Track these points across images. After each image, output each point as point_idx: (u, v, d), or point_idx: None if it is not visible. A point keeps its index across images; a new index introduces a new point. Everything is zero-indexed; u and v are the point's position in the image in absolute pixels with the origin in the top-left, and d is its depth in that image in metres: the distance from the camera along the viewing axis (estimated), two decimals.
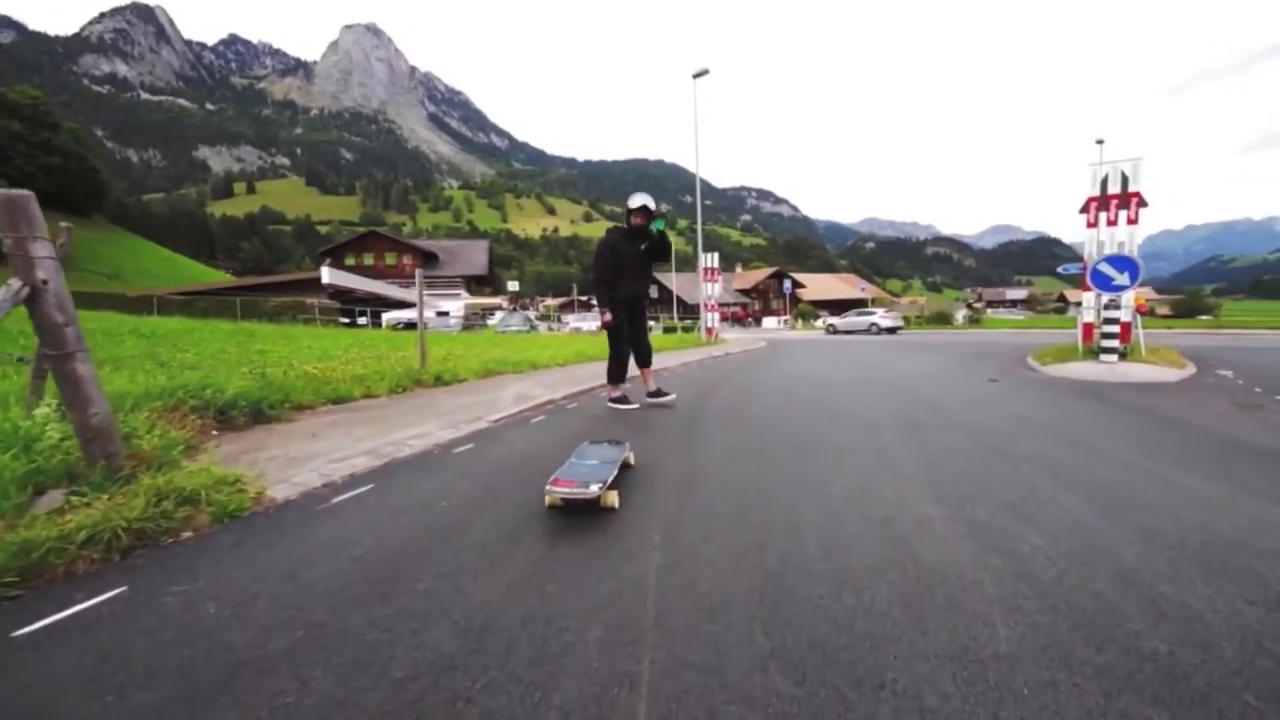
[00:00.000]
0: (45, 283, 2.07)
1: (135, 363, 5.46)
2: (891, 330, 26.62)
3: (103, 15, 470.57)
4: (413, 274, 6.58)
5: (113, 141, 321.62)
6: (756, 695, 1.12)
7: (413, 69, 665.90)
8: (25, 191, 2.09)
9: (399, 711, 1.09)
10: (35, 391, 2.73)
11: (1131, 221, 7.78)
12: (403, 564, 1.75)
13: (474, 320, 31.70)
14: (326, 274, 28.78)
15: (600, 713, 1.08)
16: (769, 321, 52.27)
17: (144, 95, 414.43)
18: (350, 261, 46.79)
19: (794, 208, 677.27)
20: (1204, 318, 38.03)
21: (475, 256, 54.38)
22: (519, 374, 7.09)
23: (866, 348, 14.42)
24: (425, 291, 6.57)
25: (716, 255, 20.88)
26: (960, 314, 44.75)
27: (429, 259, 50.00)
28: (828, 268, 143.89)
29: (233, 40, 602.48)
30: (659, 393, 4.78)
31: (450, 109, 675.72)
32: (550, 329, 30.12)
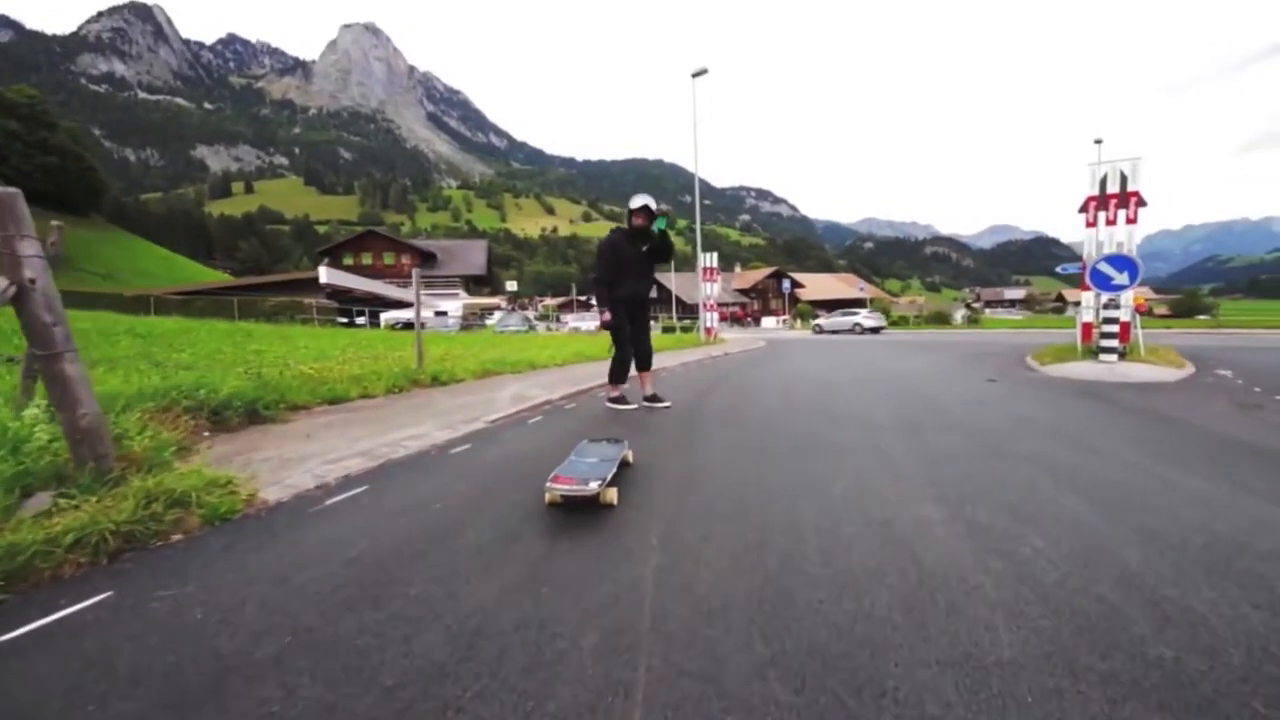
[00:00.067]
0: (33, 282, 2.04)
1: (130, 363, 5.43)
2: (875, 330, 27.25)
3: (100, 14, 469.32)
4: (411, 274, 6.54)
5: (110, 141, 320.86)
6: (755, 704, 1.09)
7: (411, 68, 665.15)
8: (12, 189, 2.06)
9: None
10: (25, 392, 2.69)
11: (1130, 221, 7.77)
12: (395, 567, 1.72)
13: (472, 320, 31.65)
14: (324, 274, 28.70)
15: None
16: (768, 321, 52.29)
17: (142, 94, 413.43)
18: (349, 261, 46.70)
19: (793, 207, 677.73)
20: (1202, 318, 38.08)
21: (474, 256, 54.31)
22: (517, 374, 7.06)
23: (865, 348, 14.41)
24: (423, 291, 6.55)
25: (715, 255, 20.84)
26: (959, 314, 44.78)
27: (427, 259, 49.92)
28: (826, 268, 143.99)
29: (231, 39, 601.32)
30: (655, 398, 4.76)
31: (449, 108, 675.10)
32: (549, 329, 30.09)
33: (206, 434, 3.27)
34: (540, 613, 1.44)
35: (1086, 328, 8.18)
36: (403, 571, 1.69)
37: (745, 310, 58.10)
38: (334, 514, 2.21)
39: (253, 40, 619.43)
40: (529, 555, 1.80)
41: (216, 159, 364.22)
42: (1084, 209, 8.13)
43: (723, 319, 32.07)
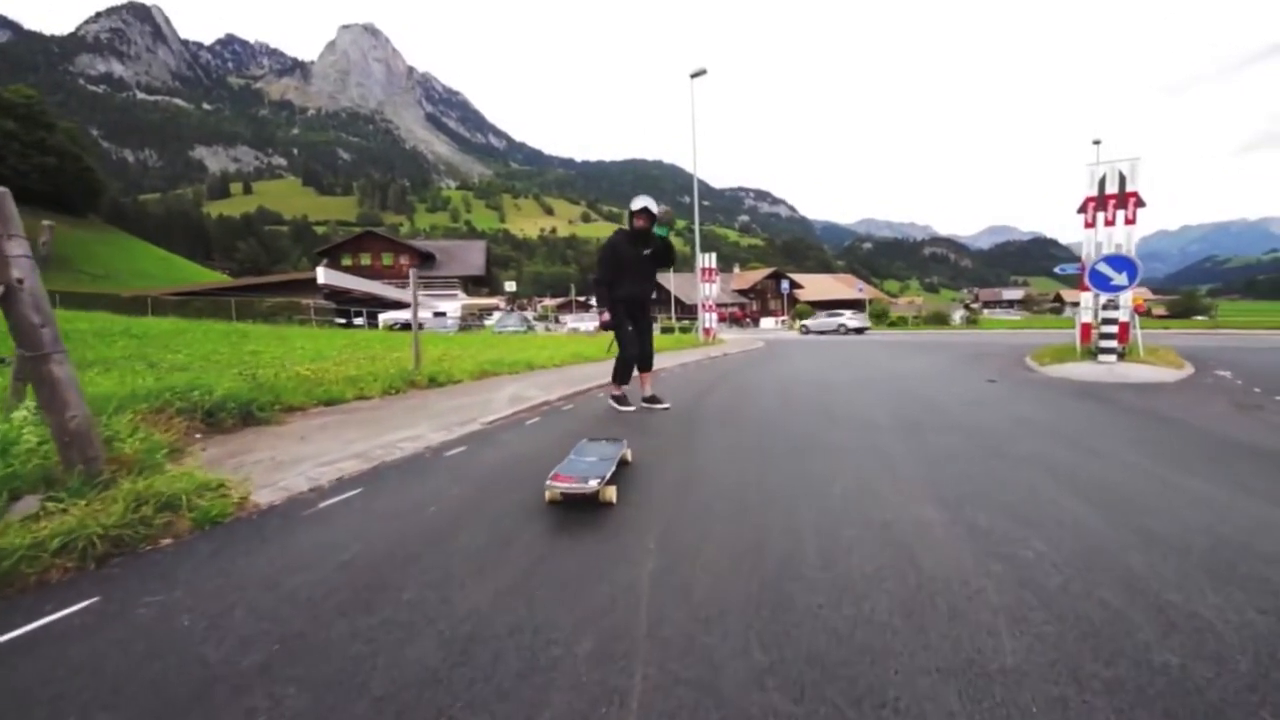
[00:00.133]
0: (20, 282, 2.01)
1: (125, 364, 5.39)
2: (859, 330, 28.15)
3: (99, 15, 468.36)
4: (410, 274, 6.51)
5: (108, 141, 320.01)
6: (753, 713, 1.07)
7: (410, 69, 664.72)
8: (0, 188, 2.03)
9: None
10: (16, 394, 2.66)
11: (1129, 221, 7.77)
12: (388, 571, 1.70)
13: (471, 321, 31.58)
14: (322, 274, 28.60)
15: None
16: (767, 322, 52.30)
17: (140, 95, 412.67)
18: (347, 262, 46.62)
19: (792, 208, 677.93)
20: (1199, 318, 38.15)
21: (472, 257, 54.26)
22: (514, 375, 7.03)
23: (864, 348, 14.40)
24: (422, 292, 6.51)
25: (714, 255, 20.84)
26: (958, 314, 44.85)
27: (426, 259, 49.85)
28: (825, 268, 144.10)
29: (229, 40, 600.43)
30: (654, 399, 4.76)
31: (448, 109, 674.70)
32: (547, 329, 30.05)
33: (198, 436, 3.24)
34: (535, 618, 1.42)
35: (1085, 328, 8.17)
36: (396, 576, 1.67)
37: (744, 311, 58.09)
38: (327, 517, 2.18)
39: (251, 41, 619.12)
40: (524, 558, 1.78)
41: (215, 159, 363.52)
42: (1083, 209, 8.13)
43: (721, 320, 32.11)
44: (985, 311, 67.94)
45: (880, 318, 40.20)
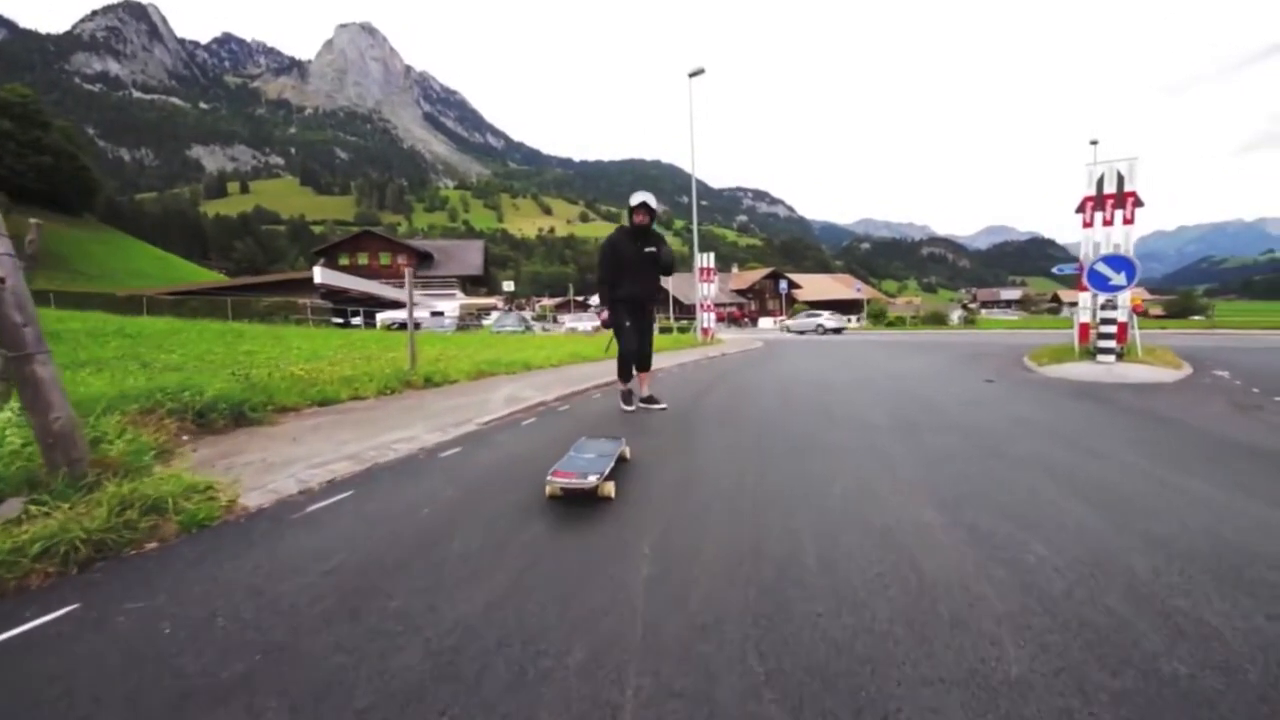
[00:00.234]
0: (2, 281, 1.97)
1: (118, 364, 5.34)
2: (836, 330, 29.04)
3: (95, 13, 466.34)
4: (405, 274, 6.46)
5: (105, 140, 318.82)
6: None
7: (408, 68, 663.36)
8: None
9: None
10: (2, 396, 2.61)
11: (1127, 222, 7.75)
12: (377, 577, 1.66)
13: (469, 320, 31.48)
14: (319, 274, 28.49)
15: None
16: (765, 322, 52.27)
17: (136, 94, 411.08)
18: (345, 261, 46.44)
19: (790, 208, 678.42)
20: (1196, 318, 38.23)
21: (470, 256, 54.11)
22: (511, 375, 6.99)
23: (862, 348, 14.38)
24: (420, 292, 6.46)
25: (712, 255, 20.80)
26: (955, 314, 44.91)
27: (424, 259, 49.72)
28: (824, 268, 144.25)
29: (226, 39, 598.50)
30: (651, 400, 4.74)
31: (446, 108, 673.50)
32: (545, 329, 29.99)
33: (185, 437, 3.19)
34: (525, 627, 1.38)
35: (1084, 328, 8.15)
36: (384, 582, 1.63)
37: (742, 311, 58.05)
38: (316, 521, 2.14)
39: (248, 40, 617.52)
40: (516, 563, 1.74)
41: (212, 159, 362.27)
42: (1081, 209, 8.11)
43: (720, 319, 32.15)
44: (983, 312, 68.05)
45: (878, 318, 40.25)
